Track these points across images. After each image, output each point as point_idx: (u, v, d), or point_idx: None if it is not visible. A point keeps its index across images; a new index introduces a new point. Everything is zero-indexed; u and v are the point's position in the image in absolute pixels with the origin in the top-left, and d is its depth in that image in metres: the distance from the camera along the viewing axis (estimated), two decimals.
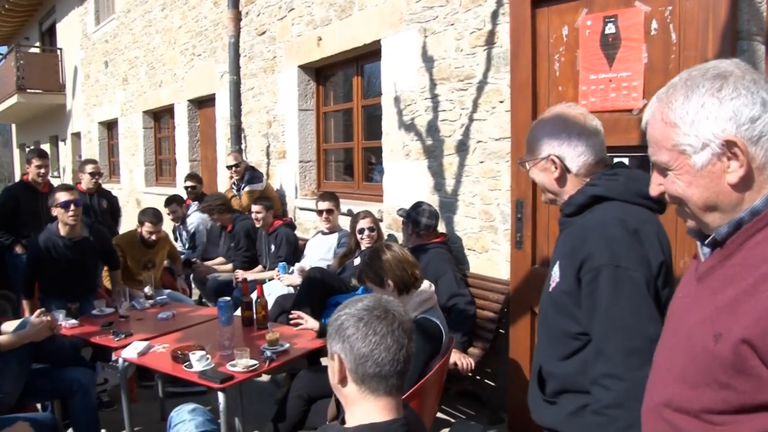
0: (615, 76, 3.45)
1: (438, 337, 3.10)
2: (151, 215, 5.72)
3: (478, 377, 4.51)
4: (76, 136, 16.86)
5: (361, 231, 5.03)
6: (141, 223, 5.69)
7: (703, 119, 1.23)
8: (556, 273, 1.95)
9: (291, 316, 4.00)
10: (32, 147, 14.75)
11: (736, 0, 3.06)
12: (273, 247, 6.12)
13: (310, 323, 3.87)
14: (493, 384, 4.50)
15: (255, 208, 6.26)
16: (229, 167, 7.12)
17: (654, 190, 1.38)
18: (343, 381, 1.70)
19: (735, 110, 1.20)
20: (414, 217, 4.52)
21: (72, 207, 4.68)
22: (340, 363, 1.67)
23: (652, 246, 1.79)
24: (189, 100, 10.07)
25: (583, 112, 2.04)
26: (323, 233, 5.76)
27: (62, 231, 4.80)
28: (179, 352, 3.46)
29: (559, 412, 1.95)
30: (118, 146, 13.65)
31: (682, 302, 1.39)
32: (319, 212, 5.69)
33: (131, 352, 3.63)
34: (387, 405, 1.68)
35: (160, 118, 11.95)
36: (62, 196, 4.66)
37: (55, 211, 4.71)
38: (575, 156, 1.98)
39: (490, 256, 4.57)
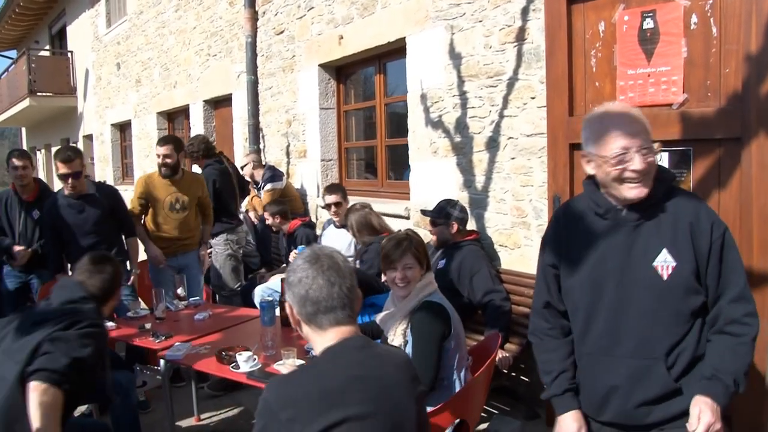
0: (654, 70, 3.45)
1: (446, 318, 3.07)
2: (163, 139, 5.54)
3: (513, 373, 4.52)
4: (88, 138, 16.90)
5: (329, 206, 5.50)
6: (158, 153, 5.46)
7: None
8: (666, 260, 2.04)
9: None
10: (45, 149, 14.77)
11: None
12: (293, 248, 6.11)
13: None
14: (528, 380, 4.51)
15: (265, 215, 6.25)
16: (241, 167, 7.18)
17: None
18: (298, 324, 1.95)
19: None
20: (456, 215, 4.48)
21: (70, 180, 4.81)
22: (290, 309, 1.93)
23: None
24: (204, 101, 10.09)
25: None
26: (336, 226, 5.71)
27: (66, 191, 4.92)
28: (224, 353, 3.47)
29: (687, 392, 2.05)
30: (131, 148, 13.68)
31: None
32: (327, 206, 5.65)
33: (175, 353, 3.65)
34: (338, 334, 1.88)
35: (174, 119, 11.97)
36: (60, 168, 4.81)
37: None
38: None
39: (523, 252, 4.58)
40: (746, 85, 3.10)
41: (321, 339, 1.90)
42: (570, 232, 2.23)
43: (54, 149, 16.58)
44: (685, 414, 2.01)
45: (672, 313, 2.03)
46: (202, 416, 4.60)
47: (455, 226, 4.47)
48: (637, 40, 3.49)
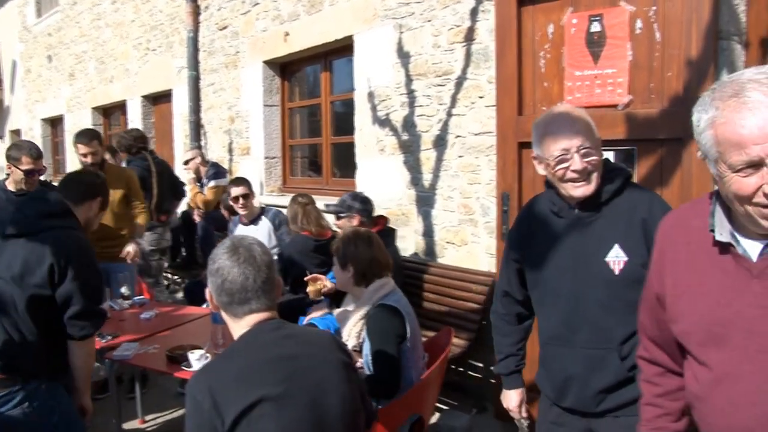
0: (600, 72, 3.56)
1: (401, 319, 3.05)
2: (84, 135, 4.97)
3: (461, 369, 4.60)
4: (16, 133, 16.30)
5: (236, 199, 5.30)
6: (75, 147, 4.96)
7: None
8: (617, 256, 2.08)
9: (308, 277, 3.92)
10: None
11: (717, 2, 3.20)
12: None
13: (329, 283, 3.80)
14: (477, 375, 4.59)
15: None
16: (184, 163, 7.05)
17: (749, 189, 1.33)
18: (218, 310, 2.03)
19: None
20: (358, 207, 4.38)
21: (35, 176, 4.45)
22: (210, 296, 2.00)
23: None
24: (143, 96, 9.89)
25: None
26: (244, 224, 5.48)
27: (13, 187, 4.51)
28: (176, 352, 3.43)
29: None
30: (63, 144, 13.28)
31: (747, 310, 1.38)
32: (234, 199, 5.37)
33: (123, 353, 3.58)
34: (252, 320, 1.95)
35: (110, 114, 11.68)
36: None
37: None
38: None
39: (470, 249, 4.65)
40: (687, 88, 3.24)
41: (237, 326, 1.97)
42: (531, 229, 2.32)
43: None
44: (636, 401, 2.04)
45: (624, 305, 2.08)
46: (147, 418, 4.52)
47: (357, 218, 4.36)
48: (585, 42, 3.60)
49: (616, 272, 2.09)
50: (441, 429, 4.17)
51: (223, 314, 2.01)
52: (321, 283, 3.75)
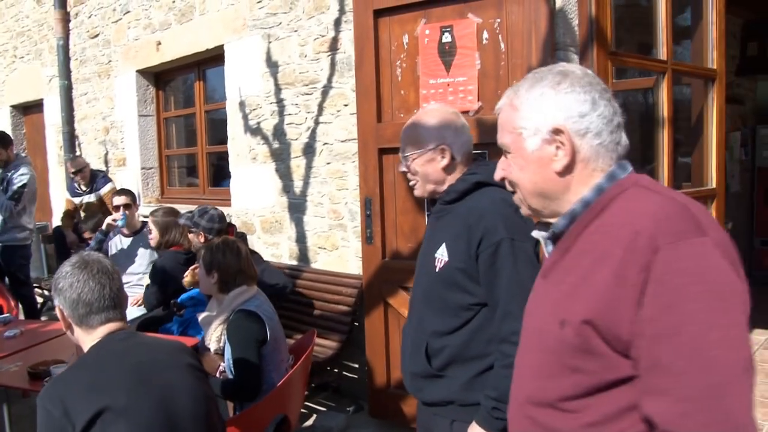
0: (452, 80, 3.75)
1: (261, 323, 3.13)
2: None
3: (336, 370, 4.70)
4: None
5: (117, 208, 5.22)
6: None
7: (539, 106, 1.33)
8: (442, 254, 2.15)
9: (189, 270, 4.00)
10: None
11: (552, 16, 3.45)
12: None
13: None
14: (352, 375, 4.70)
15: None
16: (74, 173, 6.67)
17: (498, 174, 1.47)
18: (69, 328, 2.07)
19: (567, 103, 1.31)
20: (204, 225, 4.23)
21: None
22: (61, 313, 2.05)
23: (530, 224, 1.98)
24: (12, 106, 9.47)
25: (456, 110, 2.32)
26: (125, 235, 5.33)
27: None
28: (39, 368, 3.35)
29: (451, 384, 2.14)
30: None
31: (531, 302, 1.46)
32: (116, 208, 5.28)
33: None
34: (105, 330, 2.03)
35: None
36: None
37: None
38: (460, 145, 2.20)
39: (341, 253, 4.77)
40: None
41: (90, 338, 2.03)
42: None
43: None
44: (449, 404, 2.16)
45: (440, 301, 2.17)
46: None
47: (203, 235, 4.21)
48: (437, 52, 3.78)
49: (437, 269, 2.17)
50: (317, 430, 4.26)
51: (76, 330, 2.05)
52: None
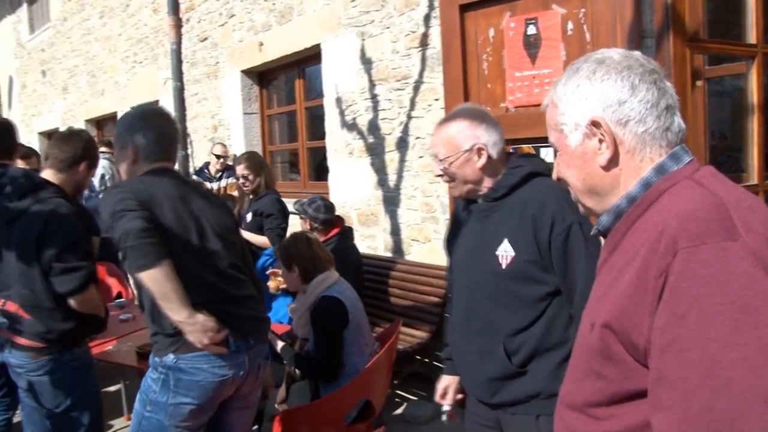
0: (538, 72, 3.75)
1: (343, 309, 3.27)
2: None
3: (427, 359, 4.79)
4: None
5: (238, 178, 5.16)
6: None
7: (576, 100, 1.26)
8: (506, 250, 2.11)
9: (269, 272, 4.17)
10: None
11: (639, 3, 3.39)
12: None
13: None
14: (442, 366, 4.77)
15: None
16: (218, 157, 6.78)
17: (554, 174, 1.40)
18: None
19: (603, 92, 1.22)
20: (310, 214, 4.43)
21: None
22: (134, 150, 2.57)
23: None
24: (132, 107, 10.08)
25: (485, 108, 2.29)
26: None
27: None
28: (146, 348, 3.62)
29: (535, 378, 2.11)
30: None
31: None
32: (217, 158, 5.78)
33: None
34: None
35: (103, 126, 11.93)
36: None
37: None
38: (493, 144, 2.18)
39: (433, 245, 4.85)
40: None
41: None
42: (455, 222, 2.48)
43: None
44: (531, 398, 2.13)
45: (513, 299, 2.12)
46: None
47: (308, 222, 4.43)
48: (523, 45, 3.79)
49: (504, 266, 2.12)
50: (406, 418, 4.37)
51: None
52: (281, 278, 3.95)
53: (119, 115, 10.38)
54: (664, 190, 1.18)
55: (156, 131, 2.63)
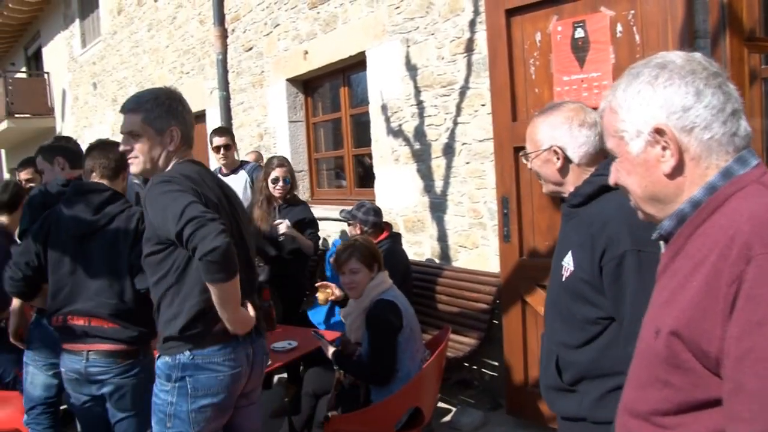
0: (586, 76, 3.71)
1: (398, 313, 3.30)
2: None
3: (475, 366, 4.76)
4: None
5: (275, 180, 4.81)
6: None
7: (637, 106, 1.24)
8: (569, 263, 2.03)
9: (318, 284, 4.13)
10: None
11: (691, 2, 3.32)
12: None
13: (338, 291, 3.95)
14: (490, 372, 4.74)
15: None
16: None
17: (611, 180, 1.38)
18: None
19: (667, 98, 1.20)
20: (360, 217, 4.49)
21: None
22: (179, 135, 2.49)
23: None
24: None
25: (581, 106, 2.16)
26: (224, 174, 5.46)
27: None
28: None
29: (582, 401, 2.01)
30: None
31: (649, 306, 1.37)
32: (216, 149, 5.53)
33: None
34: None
35: None
36: None
37: None
38: (576, 146, 2.07)
39: (481, 252, 4.82)
40: None
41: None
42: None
43: None
44: (581, 420, 2.03)
45: (566, 313, 2.06)
46: None
47: (359, 227, 4.47)
48: (570, 48, 3.75)
49: (563, 278, 2.07)
50: (454, 425, 4.35)
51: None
52: (330, 290, 3.97)
53: None
54: (731, 194, 1.16)
55: (191, 115, 2.60)
